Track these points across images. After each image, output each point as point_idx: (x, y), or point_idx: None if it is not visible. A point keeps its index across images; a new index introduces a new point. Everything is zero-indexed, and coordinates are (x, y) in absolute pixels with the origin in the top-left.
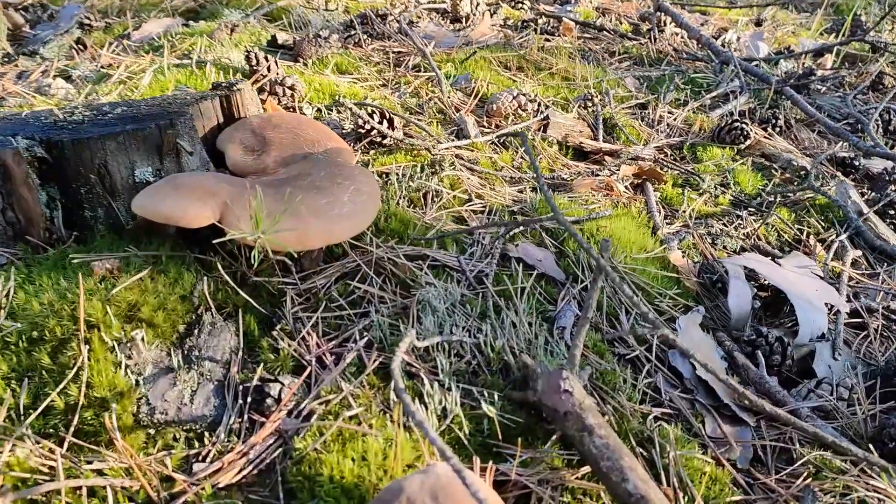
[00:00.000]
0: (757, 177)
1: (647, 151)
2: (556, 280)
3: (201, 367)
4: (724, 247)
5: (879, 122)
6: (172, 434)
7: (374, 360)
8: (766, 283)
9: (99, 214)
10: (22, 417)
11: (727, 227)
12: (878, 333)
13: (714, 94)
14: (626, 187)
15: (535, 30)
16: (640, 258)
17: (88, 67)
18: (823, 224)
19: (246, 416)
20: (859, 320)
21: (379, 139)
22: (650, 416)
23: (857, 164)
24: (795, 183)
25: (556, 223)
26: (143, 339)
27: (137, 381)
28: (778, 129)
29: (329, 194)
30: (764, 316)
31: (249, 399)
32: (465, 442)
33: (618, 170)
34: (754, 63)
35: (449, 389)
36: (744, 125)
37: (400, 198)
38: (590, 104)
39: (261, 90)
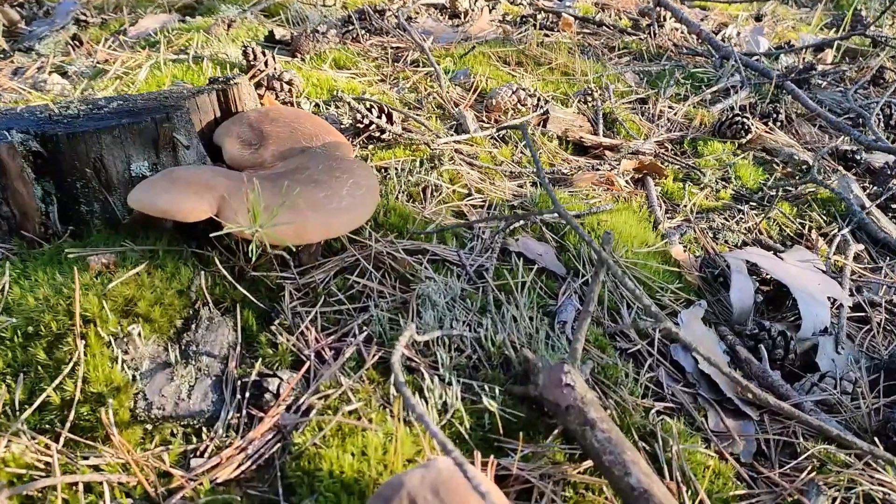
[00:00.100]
0: (758, 171)
1: (648, 146)
2: (556, 274)
3: (199, 362)
4: (726, 241)
5: (881, 117)
6: (170, 429)
7: (374, 355)
8: (768, 277)
9: (95, 209)
10: (17, 413)
11: (728, 221)
12: (882, 327)
13: (714, 88)
14: (626, 182)
15: (534, 25)
16: (641, 252)
17: (84, 63)
18: (825, 218)
19: (244, 412)
20: (862, 314)
21: (378, 134)
22: (652, 411)
23: (858, 158)
24: (797, 177)
25: (556, 217)
26: (139, 334)
27: (134, 377)
28: (779, 124)
29: (327, 188)
30: (766, 310)
31: (248, 394)
32: (466, 437)
33: (618, 164)
34: (755, 58)
35: (449, 384)
36: (745, 119)
37: (399, 192)
38: (589, 99)
39: (258, 85)
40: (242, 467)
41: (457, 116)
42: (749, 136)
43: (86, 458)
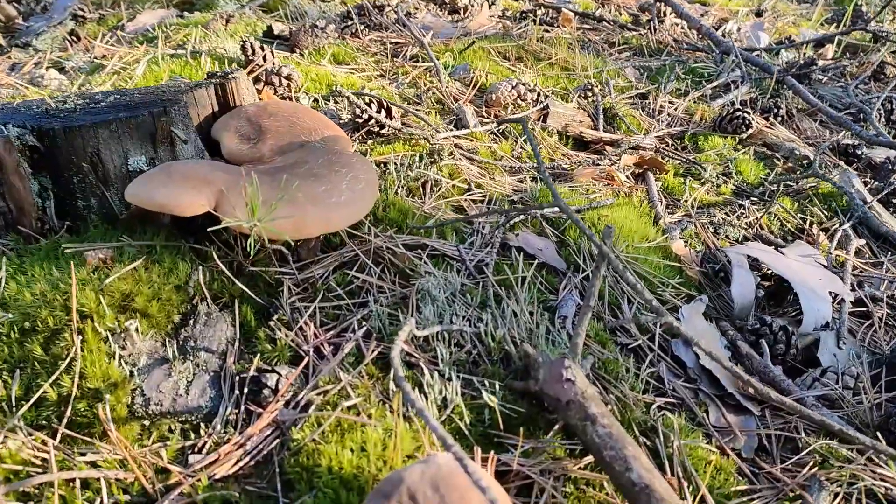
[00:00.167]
0: (759, 166)
1: (648, 141)
2: (556, 269)
3: (197, 357)
4: (727, 236)
5: (882, 112)
6: (168, 425)
7: (373, 350)
8: (769, 272)
9: (92, 204)
10: (14, 409)
11: (729, 216)
12: (883, 322)
13: (715, 83)
14: (627, 177)
15: (534, 21)
16: (641, 247)
17: (82, 59)
18: (826, 213)
19: (242, 407)
20: (863, 309)
21: (377, 129)
22: (653, 406)
23: (859, 153)
24: (798, 172)
25: (557, 212)
26: (137, 330)
27: (132, 372)
28: (780, 119)
29: (326, 182)
30: (767, 305)
31: (246, 390)
32: (466, 432)
33: (618, 159)
34: (755, 53)
35: (449, 379)
36: (745, 114)
37: (398, 187)
38: (590, 94)
39: (256, 80)
40: (241, 463)
41: (456, 111)
42: (750, 131)
43: (83, 455)
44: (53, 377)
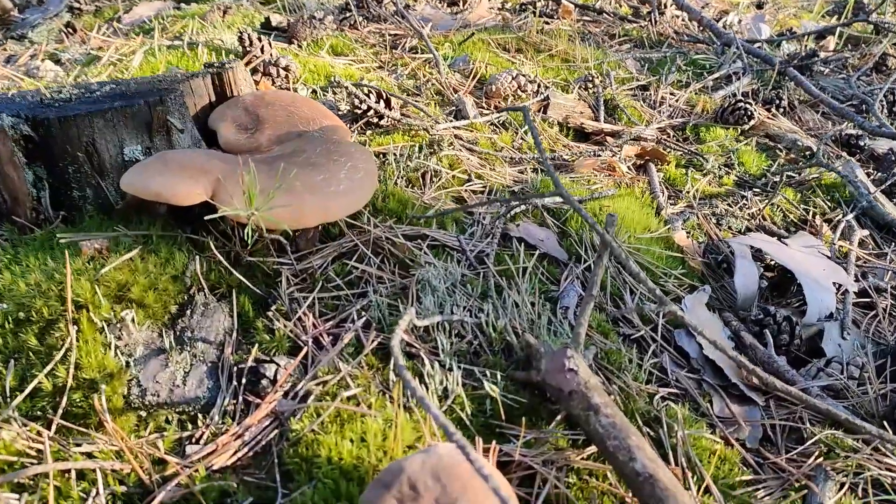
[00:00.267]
0: (761, 157)
1: (650, 132)
2: (558, 260)
3: (194, 348)
4: (729, 227)
5: (884, 103)
6: (165, 416)
7: (373, 341)
8: (772, 263)
9: (87, 194)
10: (8, 400)
11: (732, 207)
12: (887, 313)
13: (716, 75)
14: (628, 168)
15: (534, 12)
16: (644, 238)
17: (78, 51)
18: (829, 204)
19: (241, 398)
20: (867, 300)
21: (376, 120)
22: (657, 396)
23: (862, 144)
24: (801, 162)
25: (558, 202)
26: (133, 320)
27: (128, 363)
28: (782, 110)
29: (325, 171)
30: (770, 296)
31: (244, 380)
32: (468, 422)
33: (620, 150)
34: (756, 45)
35: (450, 370)
36: (747, 105)
37: (398, 178)
38: (590, 85)
39: (254, 71)
40: (239, 454)
41: (456, 103)
42: (752, 122)
43: (78, 445)
44: (48, 367)
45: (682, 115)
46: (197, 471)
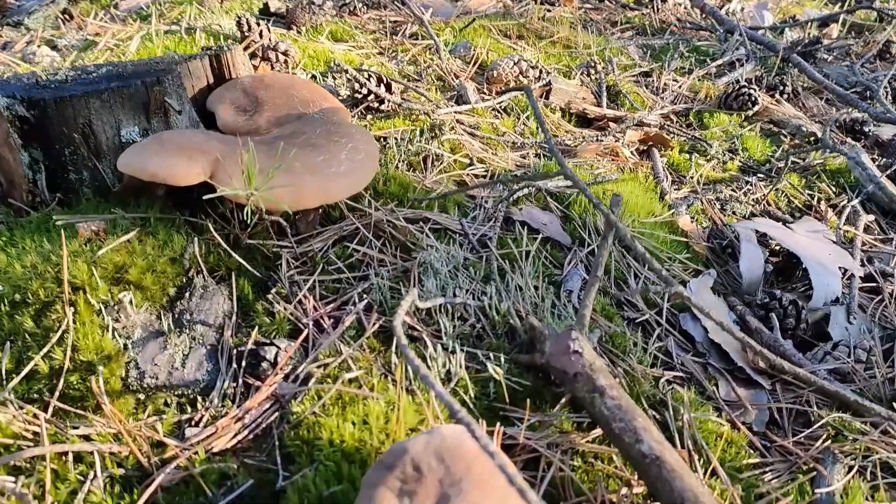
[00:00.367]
0: (766, 143)
1: (653, 117)
2: (561, 244)
3: (193, 330)
4: (734, 212)
5: (888, 90)
6: (163, 399)
7: (374, 324)
8: (777, 248)
9: (84, 177)
10: (4, 382)
11: (736, 192)
12: (893, 298)
13: (719, 62)
14: (631, 153)
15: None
16: (648, 222)
17: (75, 37)
18: (834, 189)
19: (240, 381)
20: (873, 285)
21: (376, 104)
22: (662, 380)
23: (866, 130)
24: (807, 146)
25: (560, 187)
26: (131, 302)
27: (126, 345)
28: (785, 97)
29: (325, 152)
30: (775, 281)
31: (244, 363)
32: (471, 405)
33: (623, 135)
34: (760, 32)
35: (453, 352)
36: (751, 91)
37: (399, 161)
38: (592, 72)
39: (253, 56)
40: (239, 437)
41: (457, 88)
42: (756, 108)
43: (76, 428)
44: (45, 350)
45: (686, 102)
46: (196, 453)
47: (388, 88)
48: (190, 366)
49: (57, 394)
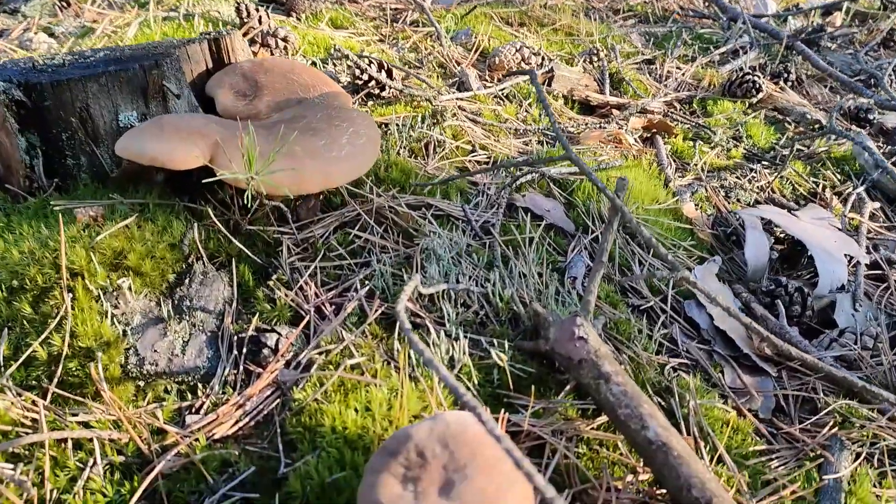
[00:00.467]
0: (770, 130)
1: (656, 104)
2: (565, 231)
3: (193, 317)
4: (738, 199)
5: (893, 77)
6: (163, 386)
7: (377, 310)
8: (782, 235)
9: (82, 162)
10: (2, 369)
11: (741, 179)
12: None
13: (723, 50)
14: (635, 140)
15: None
16: (652, 209)
17: (72, 24)
18: (839, 177)
19: (241, 367)
20: (879, 272)
21: (377, 91)
22: (667, 367)
23: (871, 118)
24: (813, 131)
25: (563, 173)
26: (130, 288)
27: (125, 331)
28: (790, 84)
29: (326, 136)
30: (780, 268)
31: (245, 350)
32: (475, 392)
33: (626, 123)
34: (763, 19)
35: (456, 339)
36: (755, 78)
37: (400, 147)
38: (595, 59)
39: (252, 42)
40: (240, 424)
41: (459, 75)
42: (760, 96)
43: (75, 415)
44: (43, 336)
45: (689, 89)
46: (197, 440)
47: (390, 74)
48: (190, 352)
49: (56, 380)
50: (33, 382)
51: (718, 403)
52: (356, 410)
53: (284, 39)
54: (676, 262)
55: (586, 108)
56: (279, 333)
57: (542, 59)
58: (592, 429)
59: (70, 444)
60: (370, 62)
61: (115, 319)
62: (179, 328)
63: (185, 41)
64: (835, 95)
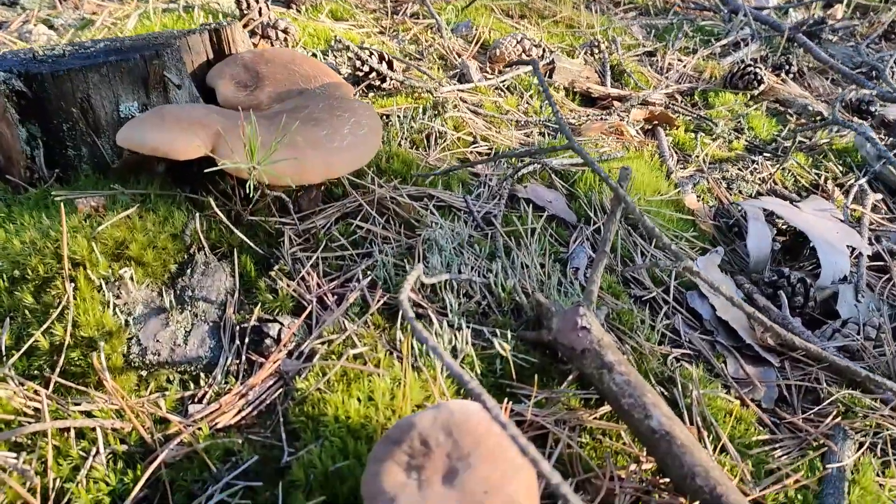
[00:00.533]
0: (772, 122)
1: (657, 96)
2: (567, 222)
3: (195, 307)
4: (740, 191)
5: (895, 70)
6: (166, 375)
7: (379, 300)
8: (784, 227)
9: (83, 153)
10: (4, 358)
11: (742, 171)
12: None
13: (724, 42)
14: (636, 131)
15: None
16: (654, 200)
17: (71, 16)
18: (841, 168)
19: (244, 357)
20: (881, 263)
21: (378, 82)
22: (670, 357)
23: (872, 110)
24: (817, 121)
25: (565, 164)
26: (132, 278)
27: (127, 321)
28: (791, 76)
29: (328, 126)
30: (783, 260)
31: (247, 340)
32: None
33: (627, 114)
34: (765, 12)
35: (459, 329)
36: (757, 70)
37: (402, 139)
38: (596, 51)
39: (252, 33)
40: (243, 413)
41: (459, 66)
42: (762, 88)
43: (77, 404)
44: (45, 326)
45: (690, 81)
46: (200, 429)
47: (390, 66)
48: (192, 342)
49: (58, 370)
50: (35, 372)
51: (721, 393)
52: (359, 400)
53: (285, 31)
54: (680, 251)
55: (587, 99)
56: (281, 324)
57: (543, 50)
58: (595, 418)
59: (73, 433)
60: (371, 53)
61: (117, 309)
62: (181, 318)
63: (186, 32)
64: (836, 88)
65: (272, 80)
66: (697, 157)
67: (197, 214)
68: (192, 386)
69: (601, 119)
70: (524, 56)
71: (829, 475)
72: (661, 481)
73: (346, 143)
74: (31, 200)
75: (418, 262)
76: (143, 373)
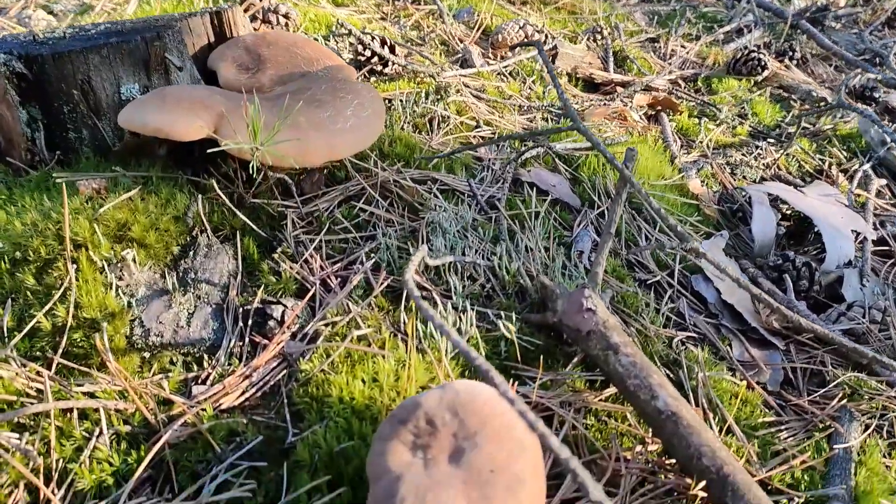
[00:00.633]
0: (775, 108)
1: (660, 82)
2: (570, 206)
3: (198, 289)
4: (744, 176)
5: None
6: (169, 357)
7: (382, 283)
8: (788, 212)
9: (84, 135)
10: (6, 339)
11: (746, 157)
12: None
13: (727, 28)
14: (640, 117)
15: None
16: (658, 185)
17: (71, 1)
18: (846, 154)
19: (247, 339)
20: (886, 248)
21: (380, 67)
22: (675, 340)
23: (876, 96)
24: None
25: (569, 148)
26: (134, 260)
27: (130, 303)
28: (795, 62)
29: (331, 108)
30: (787, 244)
31: (250, 322)
32: None
33: (630, 100)
34: None
35: (463, 311)
36: (761, 56)
37: (405, 123)
38: (599, 37)
39: (253, 18)
40: (247, 394)
41: (461, 52)
42: (765, 73)
43: (80, 385)
44: (47, 307)
45: (694, 67)
46: (204, 410)
47: (392, 50)
48: (195, 324)
49: (60, 351)
50: (38, 353)
51: (727, 376)
52: (363, 381)
53: (286, 16)
54: (686, 233)
55: (590, 85)
56: (285, 306)
57: (546, 36)
58: (601, 400)
59: (76, 413)
60: (373, 38)
61: (119, 291)
62: (184, 300)
63: (187, 14)
64: (839, 74)
65: (274, 63)
66: (701, 142)
67: (199, 197)
68: (195, 367)
69: (604, 104)
70: (527, 41)
71: (835, 456)
72: (667, 462)
73: (350, 124)
74: (32, 183)
75: (422, 244)
76: (146, 354)
